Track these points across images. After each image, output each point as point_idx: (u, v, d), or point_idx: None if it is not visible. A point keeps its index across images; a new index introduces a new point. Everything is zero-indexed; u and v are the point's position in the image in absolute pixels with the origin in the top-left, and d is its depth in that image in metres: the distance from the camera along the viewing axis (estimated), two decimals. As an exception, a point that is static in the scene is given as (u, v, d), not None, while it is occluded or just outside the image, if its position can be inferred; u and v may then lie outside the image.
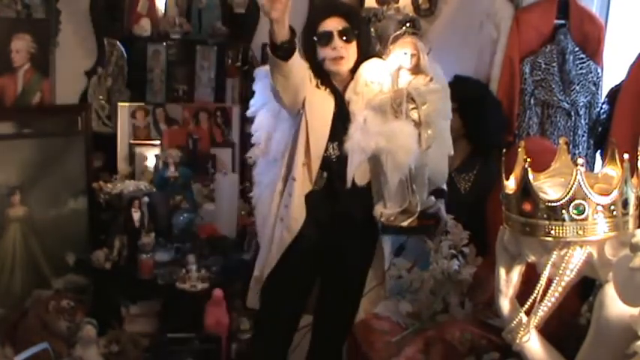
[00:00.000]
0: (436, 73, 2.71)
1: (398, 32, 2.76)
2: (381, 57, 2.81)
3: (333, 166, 2.71)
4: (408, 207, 2.62)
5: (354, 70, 2.70)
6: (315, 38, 2.64)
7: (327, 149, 2.68)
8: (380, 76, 2.65)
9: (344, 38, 2.61)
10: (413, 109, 2.54)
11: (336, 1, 2.79)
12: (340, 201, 2.73)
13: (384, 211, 2.63)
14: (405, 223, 2.65)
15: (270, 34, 2.37)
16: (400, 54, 2.66)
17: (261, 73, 2.82)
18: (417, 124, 2.55)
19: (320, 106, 2.69)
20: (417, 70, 2.68)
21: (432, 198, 2.72)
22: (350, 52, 2.64)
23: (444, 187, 2.81)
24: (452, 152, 2.82)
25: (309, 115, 2.67)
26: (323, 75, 2.70)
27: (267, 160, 2.89)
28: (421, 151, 2.59)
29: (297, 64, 2.49)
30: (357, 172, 2.67)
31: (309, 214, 2.70)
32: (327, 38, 2.60)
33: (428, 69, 2.66)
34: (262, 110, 2.89)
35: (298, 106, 2.67)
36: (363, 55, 2.70)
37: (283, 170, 2.73)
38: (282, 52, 2.40)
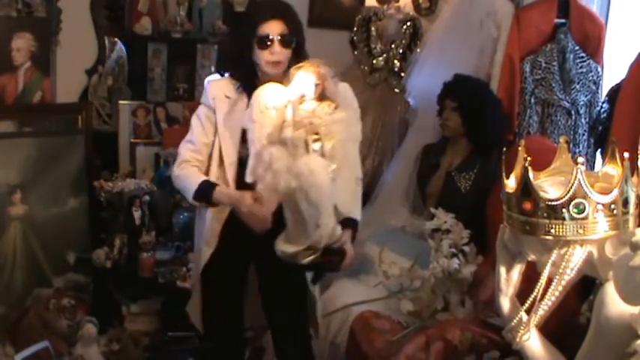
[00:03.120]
0: (344, 96, 2.55)
1: (300, 64, 2.52)
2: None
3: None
4: (311, 243, 2.40)
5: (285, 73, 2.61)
6: (253, 40, 2.57)
7: (240, 152, 2.62)
8: (278, 103, 2.47)
9: (283, 44, 2.55)
10: (316, 140, 2.38)
11: (277, 3, 2.64)
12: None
13: (285, 248, 2.42)
14: (305, 261, 2.42)
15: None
16: (303, 82, 2.46)
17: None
18: (323, 156, 2.39)
19: (230, 116, 2.64)
20: (322, 96, 2.49)
21: (339, 230, 2.48)
22: (286, 56, 2.58)
23: (355, 216, 2.60)
24: (360, 176, 2.68)
25: (220, 127, 2.65)
26: (248, 77, 2.64)
27: None
28: None
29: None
30: None
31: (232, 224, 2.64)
32: (266, 42, 2.54)
33: (334, 94, 2.48)
34: None
35: None
36: (298, 59, 2.60)
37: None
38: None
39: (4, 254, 3.51)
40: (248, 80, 2.64)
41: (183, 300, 2.91)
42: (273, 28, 2.54)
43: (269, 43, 2.53)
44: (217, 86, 2.70)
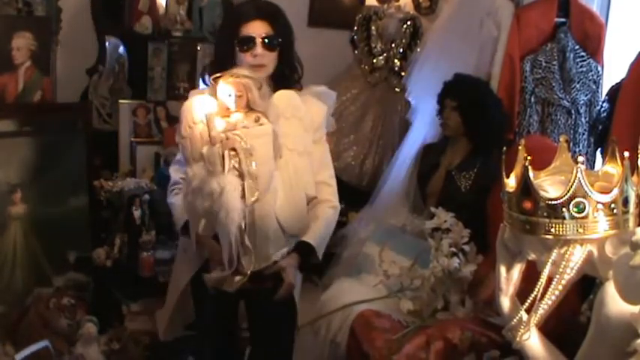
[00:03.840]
0: (283, 106, 2.39)
1: (219, 75, 2.32)
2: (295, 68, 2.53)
3: None
4: (238, 267, 2.25)
5: (273, 77, 2.46)
6: (235, 41, 2.41)
7: None
8: (206, 114, 2.27)
9: (266, 46, 2.39)
10: (234, 156, 2.20)
11: (262, 3, 2.47)
12: None
13: (209, 275, 2.29)
14: (232, 288, 2.28)
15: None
16: (222, 94, 2.29)
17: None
18: (241, 175, 2.21)
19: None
20: (248, 108, 2.32)
21: (278, 255, 2.36)
22: (271, 59, 2.42)
23: (308, 239, 2.40)
24: (312, 192, 2.45)
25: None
26: None
27: None
28: (248, 205, 2.21)
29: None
30: None
31: None
32: (248, 44, 2.37)
33: (261, 106, 2.30)
34: None
35: None
36: (284, 64, 2.47)
37: None
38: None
39: (4, 253, 3.51)
40: None
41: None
42: (256, 29, 2.39)
43: (251, 44, 2.37)
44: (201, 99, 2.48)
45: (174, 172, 2.57)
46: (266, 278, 2.35)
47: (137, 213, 3.61)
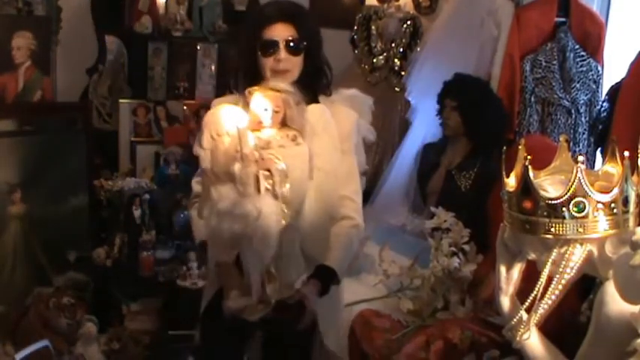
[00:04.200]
0: (314, 122, 2.19)
1: (255, 87, 2.17)
2: (325, 76, 2.38)
3: None
4: (260, 297, 2.08)
5: (298, 82, 2.26)
6: (257, 45, 2.26)
7: None
8: (234, 129, 2.07)
9: (291, 50, 2.24)
10: (268, 177, 2.04)
11: (285, 4, 2.30)
12: None
13: (231, 303, 2.10)
14: (253, 318, 2.08)
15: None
16: (257, 107, 2.13)
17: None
18: (275, 197, 2.04)
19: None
20: (283, 124, 2.16)
21: (299, 282, 2.15)
22: (295, 64, 2.26)
23: (330, 263, 2.21)
24: (337, 215, 2.28)
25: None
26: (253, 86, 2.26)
27: None
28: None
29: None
30: None
31: None
32: (271, 48, 2.22)
33: (297, 123, 2.14)
34: None
35: None
36: (311, 68, 2.31)
37: None
38: None
39: (4, 253, 3.51)
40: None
41: (183, 299, 2.92)
42: (280, 32, 2.23)
43: (274, 49, 2.22)
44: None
45: (195, 184, 2.37)
46: (288, 307, 2.13)
47: (137, 213, 3.61)
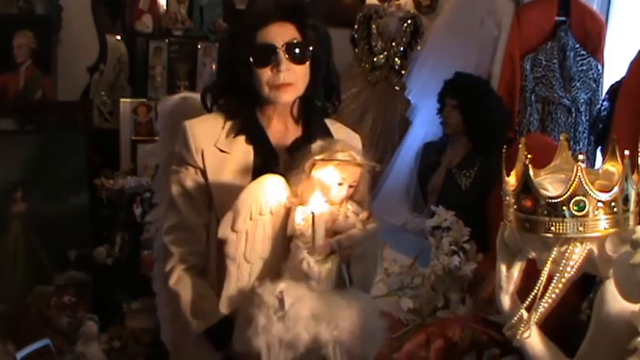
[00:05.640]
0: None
1: (329, 155, 1.67)
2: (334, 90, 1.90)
3: None
4: None
5: (303, 98, 1.83)
6: (248, 53, 1.75)
7: None
8: (278, 204, 1.67)
9: (293, 56, 1.74)
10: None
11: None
12: None
13: None
14: None
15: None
16: (332, 182, 1.67)
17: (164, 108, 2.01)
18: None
19: (228, 165, 1.79)
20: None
21: None
22: (300, 75, 1.76)
23: None
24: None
25: (218, 198, 1.78)
26: (245, 110, 1.82)
27: None
28: None
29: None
30: None
31: None
32: (268, 55, 1.72)
33: (366, 197, 1.74)
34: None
35: None
36: (319, 82, 1.83)
37: None
38: None
39: (5, 252, 3.52)
40: (246, 115, 1.81)
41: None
42: (278, 33, 1.74)
43: (272, 56, 1.72)
44: (203, 132, 1.79)
45: (174, 245, 1.83)
46: None
47: (138, 211, 3.62)
